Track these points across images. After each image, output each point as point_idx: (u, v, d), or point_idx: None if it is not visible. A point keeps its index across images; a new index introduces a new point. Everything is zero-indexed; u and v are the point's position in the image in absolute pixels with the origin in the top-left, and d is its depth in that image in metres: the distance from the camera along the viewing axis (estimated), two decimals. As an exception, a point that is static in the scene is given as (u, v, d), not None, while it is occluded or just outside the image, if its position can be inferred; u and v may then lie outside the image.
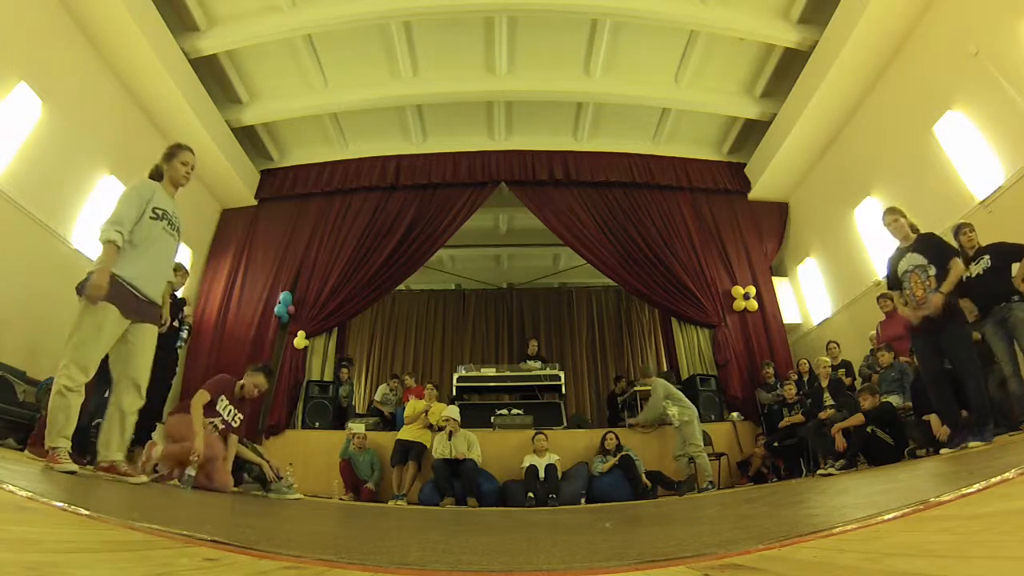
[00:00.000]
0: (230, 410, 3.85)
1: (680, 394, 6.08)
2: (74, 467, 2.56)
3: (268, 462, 4.25)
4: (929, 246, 3.91)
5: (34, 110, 5.10)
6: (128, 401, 2.87)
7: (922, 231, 4.07)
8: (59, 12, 5.35)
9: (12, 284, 4.87)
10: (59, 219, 5.47)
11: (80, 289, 4.09)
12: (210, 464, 3.53)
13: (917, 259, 3.89)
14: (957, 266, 3.74)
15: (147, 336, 2.97)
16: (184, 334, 5.24)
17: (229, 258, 8.15)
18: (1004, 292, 3.94)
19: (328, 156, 8.62)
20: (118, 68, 6.08)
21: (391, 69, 7.30)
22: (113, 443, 2.83)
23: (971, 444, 3.51)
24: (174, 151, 3.18)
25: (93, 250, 5.74)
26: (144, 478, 2.89)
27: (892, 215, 4.10)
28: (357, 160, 8.56)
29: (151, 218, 2.93)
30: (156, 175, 3.14)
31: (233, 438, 3.90)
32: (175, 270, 4.84)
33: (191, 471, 3.33)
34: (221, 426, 3.77)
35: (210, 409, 3.74)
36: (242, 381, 4.02)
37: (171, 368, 5.11)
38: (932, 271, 3.81)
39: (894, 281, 4.07)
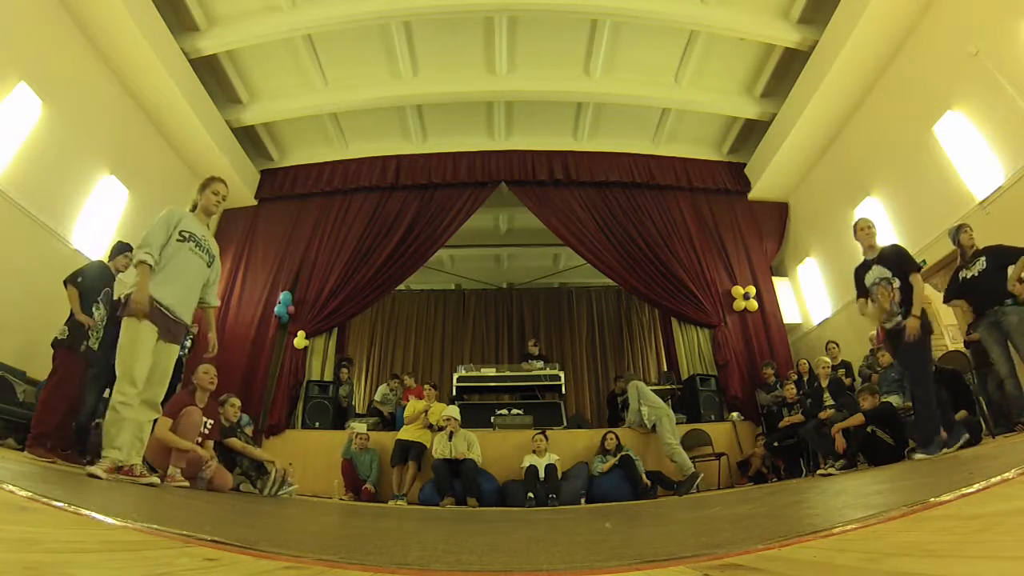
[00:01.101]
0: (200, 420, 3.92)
1: (650, 394, 6.20)
2: (103, 475, 2.66)
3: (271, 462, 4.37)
4: (892, 258, 3.97)
5: (34, 110, 5.10)
6: (144, 415, 3.03)
7: (890, 242, 4.21)
8: (59, 12, 5.35)
9: (12, 284, 4.87)
10: (59, 219, 5.48)
11: (68, 281, 4.16)
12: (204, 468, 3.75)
13: (882, 271, 3.95)
14: (918, 283, 3.79)
15: (171, 357, 3.14)
16: (188, 343, 5.21)
17: (229, 258, 8.14)
18: (998, 295, 3.98)
19: (328, 156, 8.62)
20: (118, 68, 6.09)
21: (391, 69, 7.30)
22: (133, 450, 2.96)
23: (917, 456, 3.58)
24: (208, 182, 3.43)
25: (96, 251, 5.78)
26: (155, 479, 3.01)
27: (866, 224, 4.15)
28: (357, 160, 8.56)
29: (177, 240, 3.12)
30: (193, 207, 3.39)
31: (208, 443, 3.96)
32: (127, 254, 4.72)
33: (206, 474, 3.64)
34: (199, 438, 3.84)
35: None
36: (194, 382, 4.07)
37: (176, 379, 5.07)
38: (896, 283, 3.89)
39: (862, 291, 4.12)
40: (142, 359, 2.90)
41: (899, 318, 3.80)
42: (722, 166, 8.77)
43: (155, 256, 2.98)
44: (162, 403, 3.18)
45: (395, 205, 8.22)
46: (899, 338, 3.82)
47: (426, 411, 5.95)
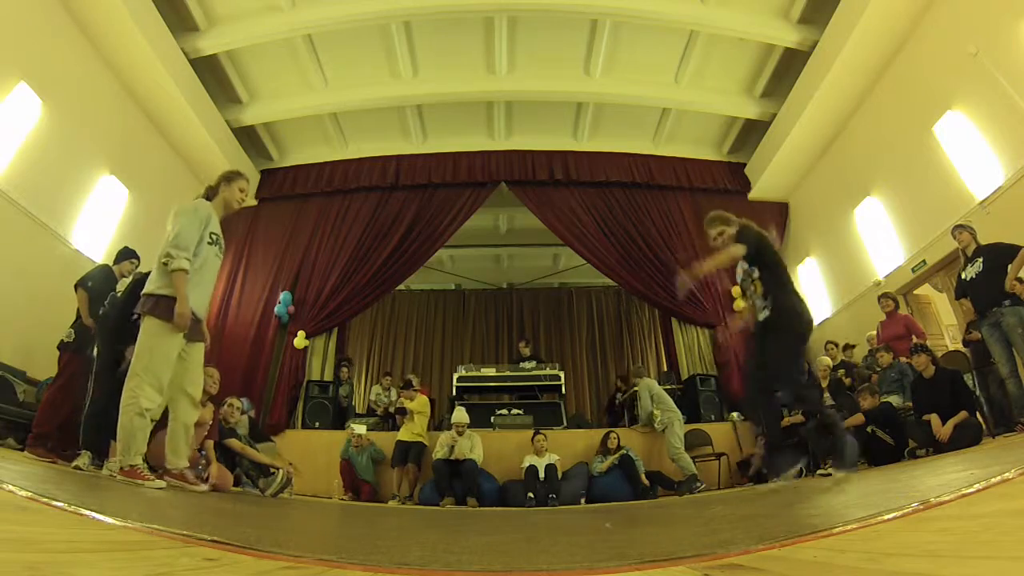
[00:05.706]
0: None
1: (664, 395, 6.15)
2: (163, 484, 2.70)
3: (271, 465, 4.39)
4: (750, 247, 3.51)
5: (34, 110, 5.10)
6: (187, 414, 3.00)
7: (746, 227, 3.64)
8: (59, 12, 5.36)
9: (12, 284, 4.87)
10: (59, 219, 5.47)
11: (79, 285, 4.15)
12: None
13: (745, 264, 3.52)
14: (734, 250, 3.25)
15: (200, 354, 3.10)
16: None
17: (229, 258, 8.13)
18: (996, 296, 3.98)
19: (328, 156, 8.62)
20: (118, 68, 6.09)
21: (391, 69, 7.30)
22: (182, 452, 2.97)
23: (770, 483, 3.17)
24: (233, 176, 3.28)
25: (96, 251, 5.77)
26: (206, 487, 3.05)
27: (716, 228, 3.67)
28: (357, 160, 8.56)
29: (208, 243, 3.01)
30: (210, 196, 3.21)
31: (209, 443, 3.96)
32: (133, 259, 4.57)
33: (202, 474, 3.62)
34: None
35: None
36: None
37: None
38: (756, 273, 3.49)
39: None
40: (170, 368, 2.84)
41: (766, 312, 3.36)
42: (722, 166, 8.76)
43: (191, 260, 2.85)
44: None
45: (395, 205, 8.22)
46: (764, 330, 3.37)
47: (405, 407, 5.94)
